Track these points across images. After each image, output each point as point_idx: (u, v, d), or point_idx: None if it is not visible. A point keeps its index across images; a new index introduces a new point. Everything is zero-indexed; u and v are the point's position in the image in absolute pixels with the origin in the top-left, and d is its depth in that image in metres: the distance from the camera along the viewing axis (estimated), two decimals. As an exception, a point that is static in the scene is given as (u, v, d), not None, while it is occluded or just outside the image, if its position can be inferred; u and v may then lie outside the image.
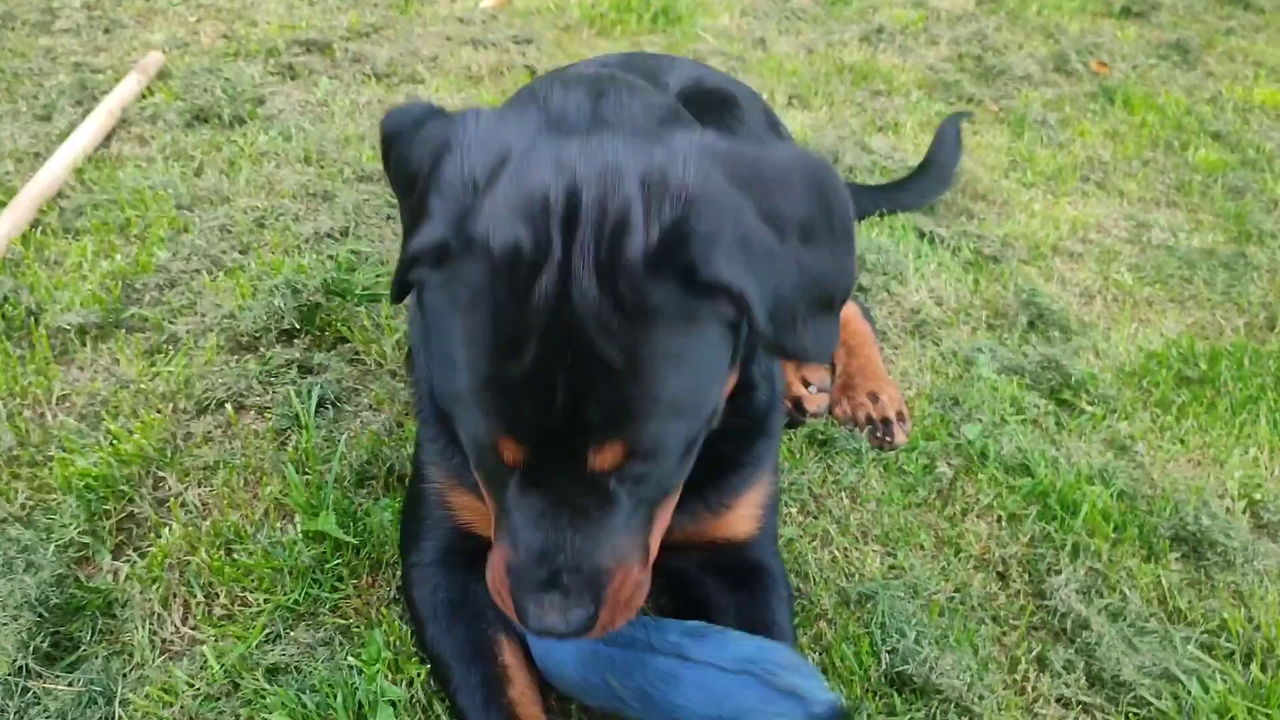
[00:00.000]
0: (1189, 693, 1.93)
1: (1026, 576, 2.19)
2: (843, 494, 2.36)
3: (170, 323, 2.68)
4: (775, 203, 1.29)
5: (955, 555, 2.22)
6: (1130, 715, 1.91)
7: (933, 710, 1.85)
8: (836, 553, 2.21)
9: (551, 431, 1.26)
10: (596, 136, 1.31)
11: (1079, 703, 1.94)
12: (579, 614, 1.36)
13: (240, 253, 3.01)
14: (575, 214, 1.21)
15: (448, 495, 1.83)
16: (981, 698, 1.88)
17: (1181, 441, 2.63)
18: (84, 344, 2.60)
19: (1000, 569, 2.20)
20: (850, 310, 2.74)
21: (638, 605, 1.46)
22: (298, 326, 2.68)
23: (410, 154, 1.40)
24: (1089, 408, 2.71)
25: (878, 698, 1.88)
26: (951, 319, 3.05)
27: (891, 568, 2.19)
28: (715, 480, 1.80)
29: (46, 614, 1.87)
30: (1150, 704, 1.92)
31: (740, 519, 1.87)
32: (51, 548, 2.00)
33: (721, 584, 1.88)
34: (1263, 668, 1.99)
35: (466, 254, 1.24)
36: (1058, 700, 1.94)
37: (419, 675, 1.82)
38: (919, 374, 2.81)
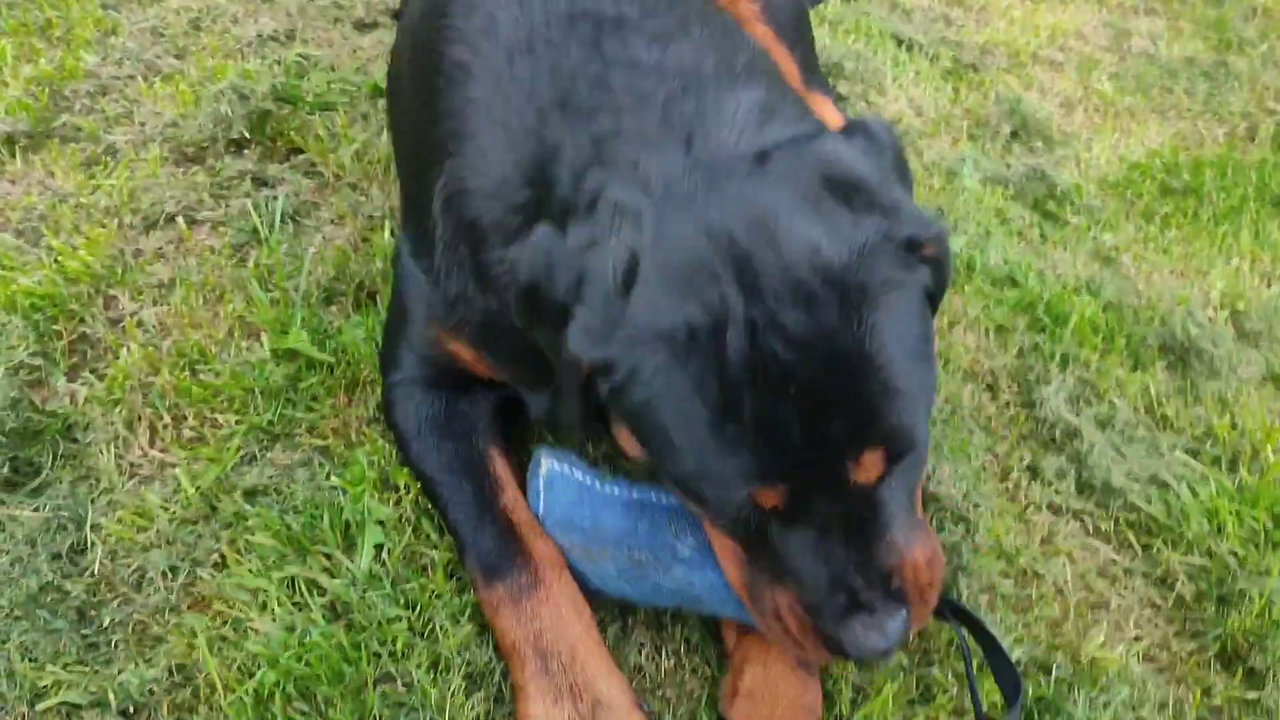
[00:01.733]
0: (1178, 497, 1.94)
1: (1016, 387, 2.17)
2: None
3: (107, 132, 2.47)
4: (897, 164, 1.44)
5: (944, 367, 2.18)
6: (1121, 520, 1.93)
7: (930, 518, 1.84)
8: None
9: (805, 464, 1.22)
10: (722, 182, 1.31)
11: (1069, 509, 1.95)
12: (895, 625, 1.30)
13: (176, 57, 2.77)
14: (749, 268, 1.22)
15: (436, 336, 1.74)
16: (976, 505, 1.88)
17: (1165, 252, 2.60)
18: (13, 155, 2.38)
19: (989, 380, 2.17)
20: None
21: (939, 577, 1.39)
22: (247, 136, 2.48)
23: (555, 294, 1.34)
24: (1074, 219, 2.65)
25: (874, 508, 1.86)
26: (933, 129, 2.95)
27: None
28: None
29: (3, 438, 1.76)
30: (1139, 509, 1.93)
31: None
32: (1, 370, 1.87)
33: None
34: (1249, 472, 2.00)
35: (641, 351, 1.24)
36: (1049, 507, 1.95)
37: (406, 494, 1.75)
38: (902, 185, 2.71)
